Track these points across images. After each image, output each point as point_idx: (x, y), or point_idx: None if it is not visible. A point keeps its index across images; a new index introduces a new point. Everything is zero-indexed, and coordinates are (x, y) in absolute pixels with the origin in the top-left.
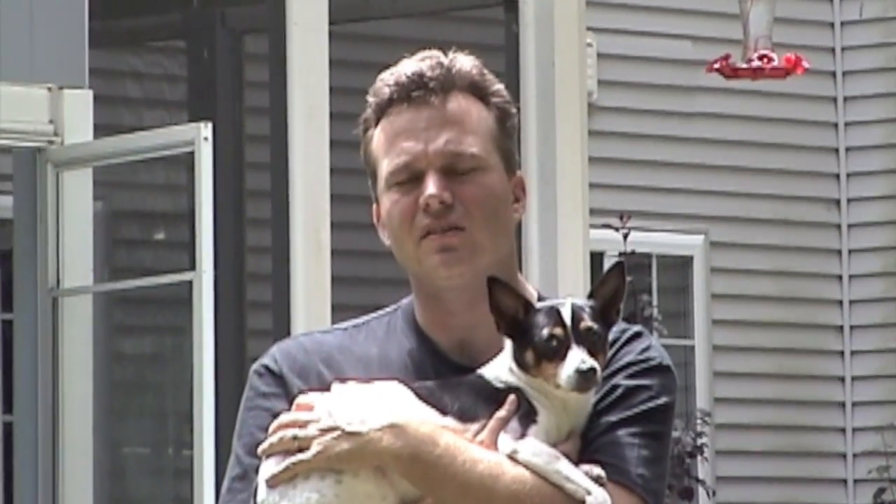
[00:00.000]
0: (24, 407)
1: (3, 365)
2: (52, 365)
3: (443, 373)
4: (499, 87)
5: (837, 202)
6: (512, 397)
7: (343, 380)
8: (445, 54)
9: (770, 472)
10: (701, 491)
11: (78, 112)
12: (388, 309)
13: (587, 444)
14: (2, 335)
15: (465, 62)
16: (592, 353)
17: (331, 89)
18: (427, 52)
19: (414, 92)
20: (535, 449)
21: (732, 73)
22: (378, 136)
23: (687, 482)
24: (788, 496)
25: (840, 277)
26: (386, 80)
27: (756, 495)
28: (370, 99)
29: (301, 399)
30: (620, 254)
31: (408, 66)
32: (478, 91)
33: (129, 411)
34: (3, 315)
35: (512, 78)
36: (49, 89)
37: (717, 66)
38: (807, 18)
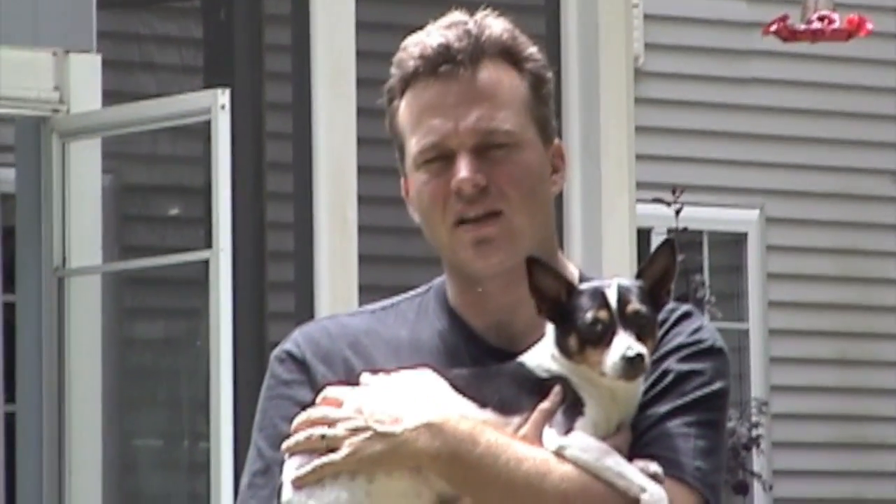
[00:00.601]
0: (28, 396)
1: (6, 350)
2: (58, 350)
3: (478, 357)
4: (532, 50)
5: None
6: (557, 387)
7: (373, 370)
8: (473, 16)
9: (831, 466)
10: (756, 485)
11: (85, 78)
12: (419, 290)
13: (638, 436)
14: (4, 318)
15: (495, 26)
16: (640, 338)
17: (357, 53)
18: (453, 18)
19: (441, 66)
20: (583, 444)
21: (790, 35)
22: (404, 109)
23: (742, 476)
24: (850, 491)
25: None
26: (410, 52)
27: (816, 490)
28: (394, 70)
29: (329, 393)
30: (669, 231)
31: (433, 37)
32: (510, 57)
33: (140, 400)
34: (5, 297)
35: (552, 41)
36: (54, 53)
37: (773, 28)
38: None
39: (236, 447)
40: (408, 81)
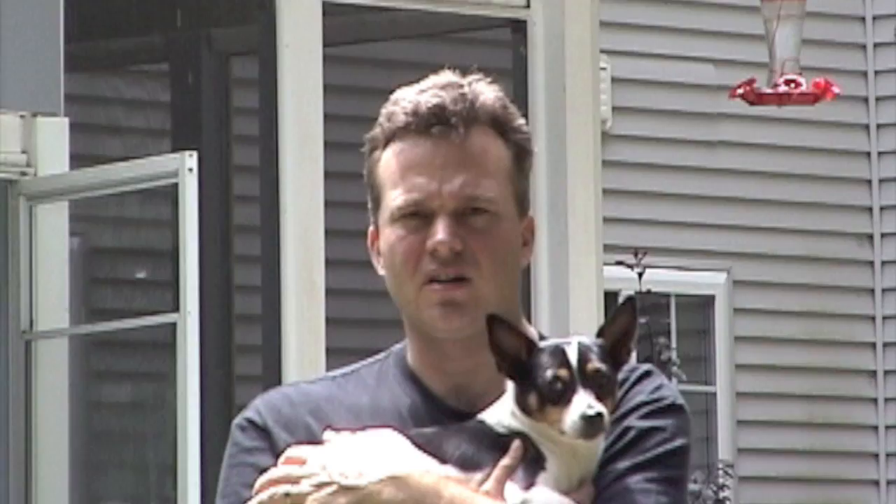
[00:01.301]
0: None
1: None
2: (25, 414)
3: (439, 419)
4: (521, 121)
5: (870, 237)
6: (517, 443)
7: (335, 429)
8: (464, 76)
9: None
10: None
11: (53, 141)
12: (378, 356)
13: (599, 492)
14: None
15: (488, 94)
16: (600, 397)
17: (325, 116)
18: (448, 78)
19: (434, 127)
20: (545, 498)
21: (757, 98)
22: (388, 161)
23: None
24: None
25: (873, 318)
26: (403, 107)
27: None
28: (383, 122)
29: (291, 452)
30: (636, 293)
31: (427, 95)
32: (499, 126)
33: (107, 464)
34: None
35: (520, 104)
36: (21, 116)
37: (740, 91)
38: (837, 40)
39: None
40: (395, 134)
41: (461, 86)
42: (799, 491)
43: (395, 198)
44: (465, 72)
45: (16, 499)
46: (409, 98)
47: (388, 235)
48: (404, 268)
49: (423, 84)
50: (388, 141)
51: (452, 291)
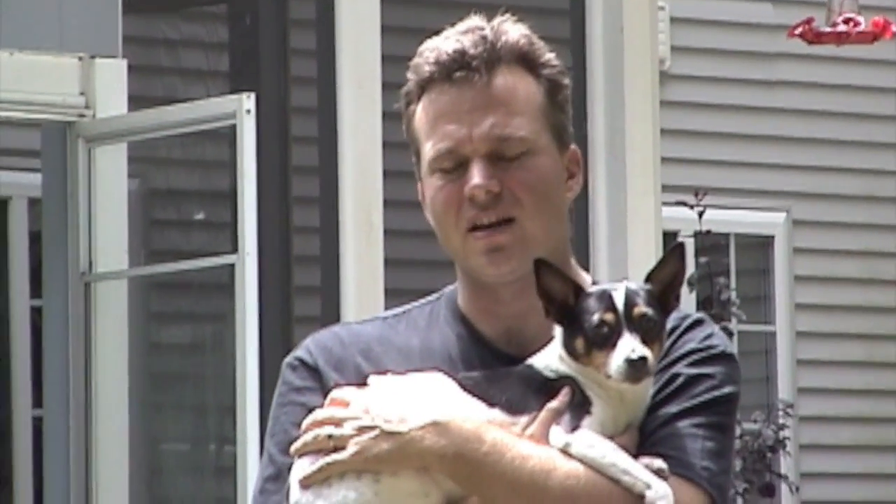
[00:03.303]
0: (55, 400)
1: (33, 355)
2: (85, 355)
3: (489, 363)
4: (549, 56)
5: None
6: (566, 388)
7: (381, 372)
8: (490, 21)
9: (858, 468)
10: (783, 487)
11: (111, 83)
12: (430, 297)
13: (646, 436)
14: (31, 323)
15: (511, 32)
16: (646, 342)
17: (383, 57)
18: (470, 23)
19: (456, 72)
20: (589, 441)
21: (816, 38)
22: (420, 114)
23: (768, 478)
24: (878, 494)
25: None
26: (426, 58)
27: (843, 492)
28: (410, 75)
29: (336, 394)
30: (695, 233)
31: (449, 43)
32: (526, 63)
33: (167, 405)
34: (32, 301)
35: (577, 44)
36: (80, 59)
37: (799, 30)
38: None
39: (262, 451)
40: (424, 86)
41: (482, 28)
42: (858, 430)
43: (429, 149)
44: (508, 12)
45: (76, 439)
46: (431, 48)
47: (429, 187)
48: (446, 217)
49: (447, 32)
50: (419, 94)
51: (496, 236)
